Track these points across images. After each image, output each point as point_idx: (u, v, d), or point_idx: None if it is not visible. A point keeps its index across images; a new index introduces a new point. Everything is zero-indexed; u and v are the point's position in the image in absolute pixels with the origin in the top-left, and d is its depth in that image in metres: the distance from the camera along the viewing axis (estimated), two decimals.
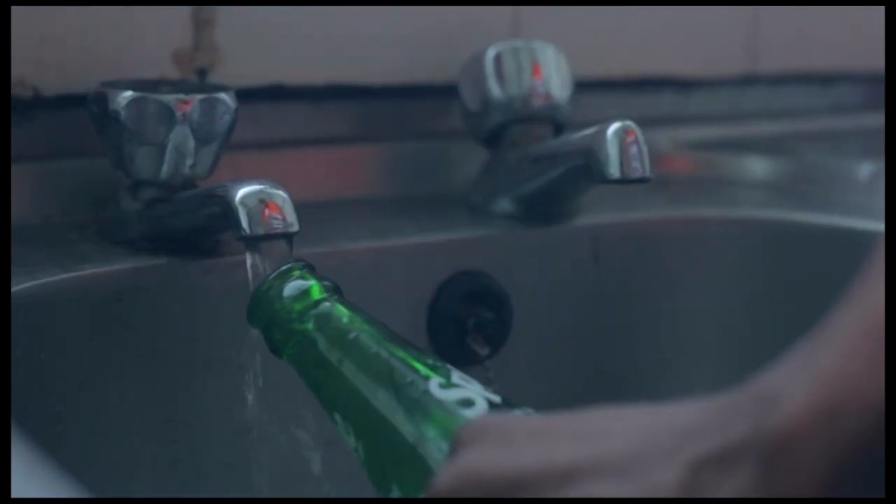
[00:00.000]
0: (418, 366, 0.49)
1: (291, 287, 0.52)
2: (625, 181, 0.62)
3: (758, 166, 0.84)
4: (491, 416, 0.40)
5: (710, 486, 0.33)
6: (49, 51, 0.66)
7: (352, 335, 0.50)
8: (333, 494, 0.64)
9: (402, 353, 0.50)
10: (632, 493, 0.34)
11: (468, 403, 0.47)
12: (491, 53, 0.71)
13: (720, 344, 0.75)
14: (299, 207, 0.56)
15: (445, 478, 0.38)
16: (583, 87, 0.75)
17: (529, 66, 0.71)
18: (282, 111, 0.69)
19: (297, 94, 0.72)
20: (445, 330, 0.67)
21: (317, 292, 0.52)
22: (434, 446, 0.46)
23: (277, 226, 0.55)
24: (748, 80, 0.94)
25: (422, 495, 0.46)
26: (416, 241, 0.68)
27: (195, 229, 0.62)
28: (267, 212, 0.55)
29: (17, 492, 0.35)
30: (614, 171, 0.62)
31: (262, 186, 0.56)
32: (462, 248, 0.68)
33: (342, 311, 0.51)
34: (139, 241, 0.62)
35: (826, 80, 0.98)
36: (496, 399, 0.47)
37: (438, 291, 0.67)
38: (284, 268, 0.53)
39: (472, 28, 0.78)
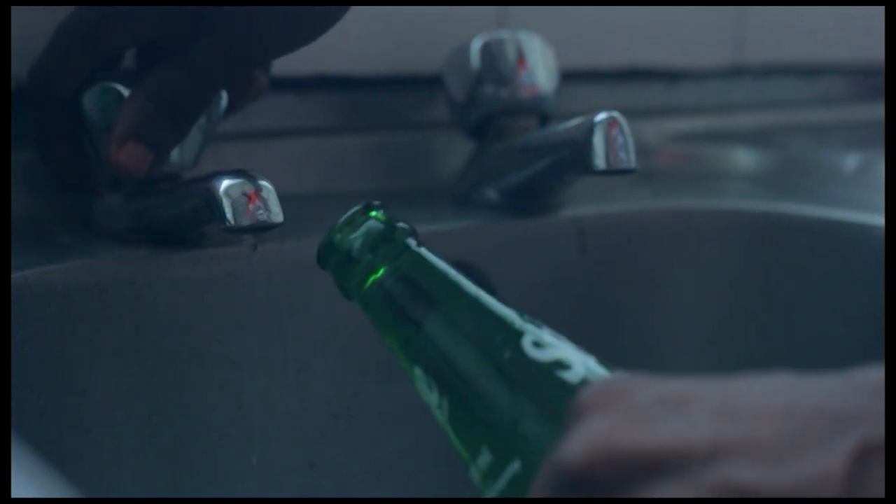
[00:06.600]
0: (509, 322, 0.45)
1: (369, 228, 0.48)
2: (610, 172, 0.62)
3: (744, 158, 0.84)
4: (615, 378, 0.35)
5: (874, 478, 0.30)
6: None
7: (437, 285, 0.47)
8: (326, 489, 0.64)
9: (490, 306, 0.46)
10: (789, 481, 0.31)
11: (564, 366, 0.43)
12: (477, 44, 0.71)
13: (706, 336, 0.75)
14: (284, 199, 0.55)
15: (573, 451, 0.33)
16: (569, 78, 0.75)
17: (515, 57, 0.71)
18: (267, 101, 0.68)
19: (283, 84, 0.72)
20: None
21: (397, 235, 0.48)
22: (529, 410, 0.43)
23: (262, 217, 0.55)
24: (735, 72, 0.94)
25: (515, 461, 0.43)
26: None
27: (179, 221, 0.61)
28: (251, 203, 0.55)
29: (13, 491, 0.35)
30: (600, 162, 0.61)
31: (246, 178, 0.56)
32: (447, 240, 0.68)
33: (425, 258, 0.47)
34: (123, 232, 0.62)
35: (812, 72, 0.98)
36: (591, 361, 0.44)
37: None
38: (359, 207, 0.49)
39: (459, 19, 0.78)
